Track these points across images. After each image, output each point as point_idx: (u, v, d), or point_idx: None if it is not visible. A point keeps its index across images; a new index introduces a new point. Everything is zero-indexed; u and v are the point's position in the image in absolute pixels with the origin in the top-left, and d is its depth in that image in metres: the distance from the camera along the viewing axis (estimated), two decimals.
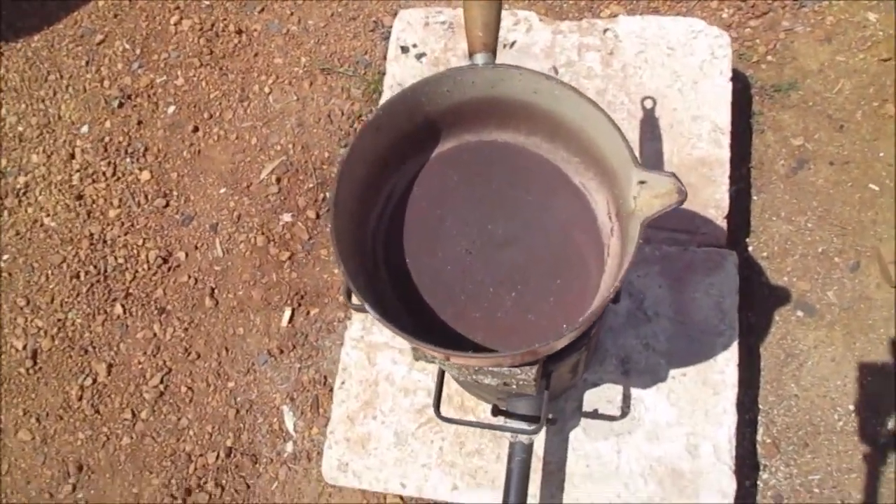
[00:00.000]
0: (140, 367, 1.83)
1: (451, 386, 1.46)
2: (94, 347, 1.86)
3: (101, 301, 1.89)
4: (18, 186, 2.01)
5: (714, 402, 1.40)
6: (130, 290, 1.89)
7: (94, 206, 1.98)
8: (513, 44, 1.70)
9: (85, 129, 2.05)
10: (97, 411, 1.81)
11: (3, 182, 2.02)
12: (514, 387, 0.97)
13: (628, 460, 1.39)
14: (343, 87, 1.99)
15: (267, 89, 2.02)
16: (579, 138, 0.97)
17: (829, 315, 1.65)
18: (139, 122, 2.04)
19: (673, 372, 1.43)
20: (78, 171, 2.01)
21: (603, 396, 1.44)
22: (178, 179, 1.97)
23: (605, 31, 1.68)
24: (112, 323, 1.87)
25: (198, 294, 1.87)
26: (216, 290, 1.87)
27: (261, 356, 1.80)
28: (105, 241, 1.94)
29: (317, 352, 1.78)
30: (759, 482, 1.57)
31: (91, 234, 1.94)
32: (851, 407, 1.58)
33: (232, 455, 1.73)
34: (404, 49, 1.75)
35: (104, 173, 2.00)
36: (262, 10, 2.11)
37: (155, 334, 1.85)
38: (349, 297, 0.97)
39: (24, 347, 1.87)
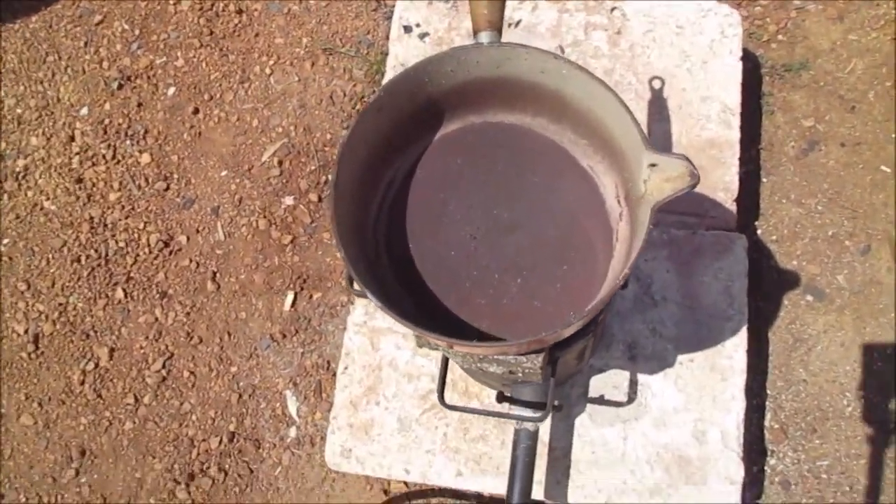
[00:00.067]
0: (142, 351, 1.81)
1: (454, 371, 1.44)
2: (95, 332, 1.84)
3: (102, 285, 1.87)
4: (18, 169, 1.99)
5: (722, 388, 1.38)
6: (132, 274, 1.87)
7: (95, 189, 1.95)
8: (518, 23, 1.66)
9: (84, 111, 2.03)
10: (99, 396, 1.80)
11: (3, 165, 2.00)
12: (520, 375, 0.95)
13: (635, 447, 1.37)
14: (345, 68, 1.96)
15: (268, 70, 1.99)
16: (588, 120, 0.94)
17: (838, 299, 1.62)
18: (139, 104, 2.01)
19: (680, 357, 1.41)
20: (77, 153, 1.99)
21: (609, 382, 1.42)
22: (179, 162, 1.95)
23: (613, 9, 1.64)
24: (113, 307, 1.85)
25: (199, 278, 1.85)
26: (218, 274, 1.85)
27: (263, 341, 1.78)
28: (106, 225, 1.92)
29: (319, 336, 1.77)
30: (766, 468, 1.55)
31: (91, 218, 1.92)
32: (861, 392, 1.56)
33: (235, 440, 1.72)
34: (407, 28, 1.72)
35: (104, 156, 1.97)
36: None
37: (157, 319, 1.84)
38: (351, 283, 0.95)
39: (26, 332, 1.86)
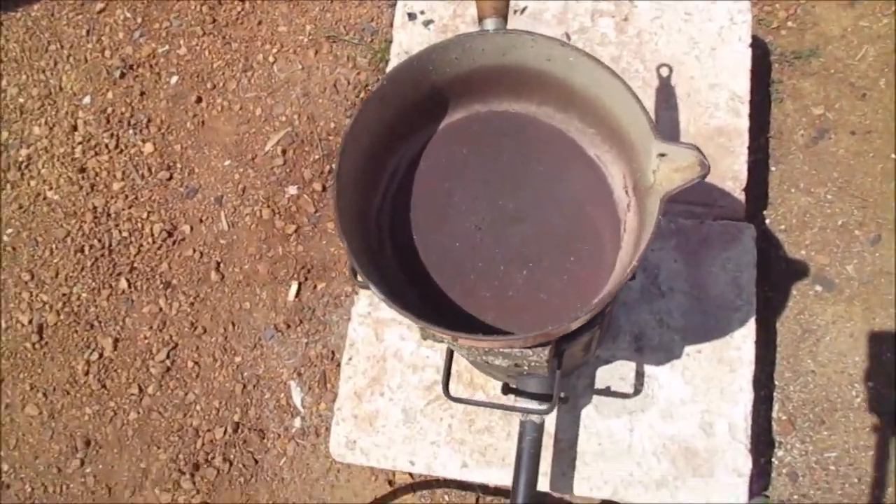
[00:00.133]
0: (146, 341, 1.81)
1: (459, 362, 1.43)
2: (99, 322, 1.84)
3: (105, 275, 1.86)
4: (21, 159, 1.98)
5: (730, 380, 1.36)
6: (135, 265, 1.86)
7: (98, 178, 1.94)
8: (524, 10, 1.64)
9: (87, 100, 2.01)
10: (104, 386, 1.79)
11: (6, 155, 1.99)
12: (526, 368, 0.94)
13: (641, 438, 1.36)
14: (349, 56, 1.94)
15: (271, 58, 1.97)
16: (595, 108, 0.92)
17: (847, 289, 1.60)
18: (142, 93, 1.99)
19: (688, 349, 1.39)
20: (80, 143, 1.98)
21: (616, 373, 1.41)
22: (182, 151, 1.94)
23: None
24: (117, 297, 1.85)
25: (203, 268, 1.84)
26: (222, 264, 1.84)
27: (267, 331, 1.77)
28: (109, 215, 1.91)
29: (324, 326, 1.76)
30: (773, 459, 1.54)
31: (95, 208, 1.91)
32: (870, 383, 1.55)
33: (239, 430, 1.72)
34: (411, 16, 1.70)
35: (107, 145, 1.96)
36: None
37: (161, 309, 1.83)
38: (355, 275, 0.93)
39: (30, 322, 1.86)
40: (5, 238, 1.92)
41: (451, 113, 0.99)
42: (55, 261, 1.89)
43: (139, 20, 2.06)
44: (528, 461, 1.17)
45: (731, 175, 1.48)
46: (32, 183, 1.96)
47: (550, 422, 1.39)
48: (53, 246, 1.90)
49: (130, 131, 1.97)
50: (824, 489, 1.51)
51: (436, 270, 0.93)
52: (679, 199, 1.45)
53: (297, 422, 1.71)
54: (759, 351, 1.40)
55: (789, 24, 1.78)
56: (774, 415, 1.56)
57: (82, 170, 1.95)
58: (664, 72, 1.55)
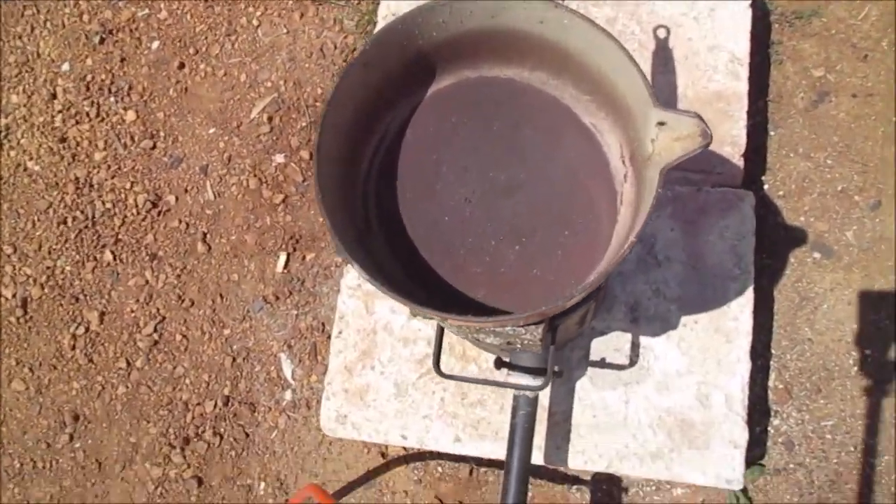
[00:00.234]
0: (133, 315, 1.78)
1: (451, 335, 1.40)
2: (85, 295, 1.80)
3: (89, 248, 1.82)
4: None
5: (727, 351, 1.34)
6: (120, 236, 1.82)
7: (79, 148, 1.89)
8: None
9: (66, 66, 1.95)
10: (91, 360, 1.76)
11: None
12: (519, 346, 0.91)
13: (636, 410, 1.34)
14: (335, 19, 1.87)
15: (255, 22, 1.91)
16: (590, 73, 0.87)
17: (846, 256, 1.57)
18: (122, 59, 1.93)
19: (684, 319, 1.36)
20: (60, 111, 1.92)
21: (611, 345, 1.38)
22: (165, 119, 1.88)
23: None
24: (102, 270, 1.81)
25: (189, 239, 1.80)
26: (208, 235, 1.80)
27: (256, 303, 1.74)
28: (92, 186, 1.86)
29: (314, 298, 1.73)
30: (770, 428, 1.53)
31: (77, 178, 1.86)
32: (867, 351, 1.53)
33: (230, 403, 1.70)
34: None
35: (88, 114, 1.91)
36: None
37: (147, 281, 1.79)
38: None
39: (14, 296, 1.82)
40: None
41: (438, 79, 0.94)
42: (38, 233, 1.85)
43: None
44: (522, 436, 1.15)
45: (730, 140, 1.44)
46: (12, 153, 1.91)
47: (544, 395, 1.37)
48: (35, 218, 1.86)
49: (111, 99, 1.91)
50: (820, 458, 1.50)
51: (424, 246, 0.89)
52: (676, 166, 1.41)
53: (288, 394, 1.68)
54: (756, 320, 1.38)
55: None
56: (771, 384, 1.54)
57: (63, 139, 1.90)
58: (661, 33, 1.50)
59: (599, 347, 1.38)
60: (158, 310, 1.77)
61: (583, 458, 1.34)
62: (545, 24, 0.86)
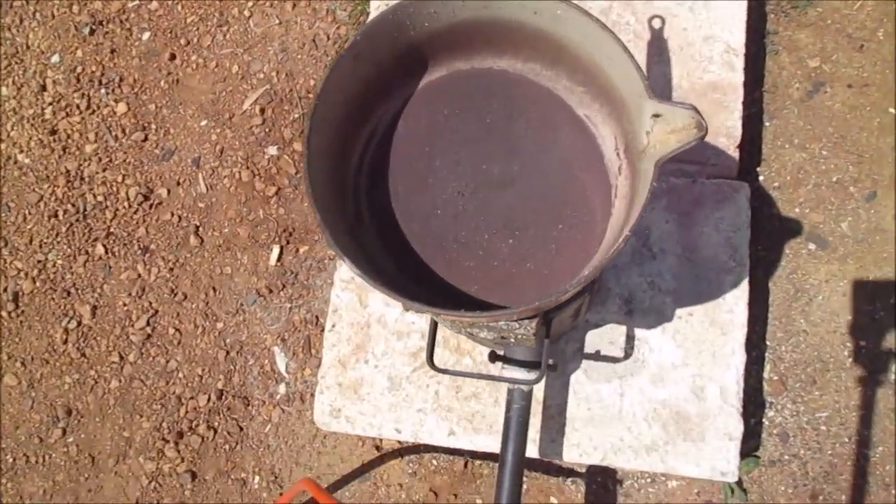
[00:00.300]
0: (125, 308, 1.76)
1: (445, 329, 1.39)
2: (76, 289, 1.79)
3: (81, 241, 1.81)
4: None
5: (722, 343, 1.34)
6: (111, 230, 1.81)
7: (70, 141, 1.87)
8: None
9: (55, 58, 1.93)
10: (83, 355, 1.75)
11: None
12: (513, 340, 0.90)
13: (631, 403, 1.33)
14: (328, 9, 1.86)
15: (247, 12, 1.89)
16: (584, 65, 0.86)
17: (841, 248, 1.57)
18: (112, 51, 1.91)
19: (679, 311, 1.36)
20: (50, 103, 1.90)
21: (605, 337, 1.37)
22: (157, 111, 1.86)
23: None
24: (94, 264, 1.80)
25: (182, 232, 1.79)
26: (201, 228, 1.78)
27: (249, 296, 1.73)
28: (83, 178, 1.84)
29: (307, 291, 1.72)
30: (764, 420, 1.53)
31: (68, 171, 1.85)
32: (862, 342, 1.52)
33: (223, 397, 1.69)
34: None
35: (78, 106, 1.89)
36: None
37: (139, 275, 1.78)
38: None
39: (5, 290, 1.80)
40: None
41: (430, 71, 0.93)
42: (29, 227, 1.83)
43: None
44: (517, 430, 1.15)
45: (725, 132, 1.43)
46: (2, 146, 1.89)
47: (539, 388, 1.36)
48: (26, 211, 1.84)
49: (102, 91, 1.89)
50: (815, 449, 1.50)
51: (416, 240, 0.88)
52: (671, 158, 1.41)
53: (282, 388, 1.67)
54: (751, 312, 1.37)
55: None
56: (766, 375, 1.54)
57: (53, 132, 1.88)
58: (656, 24, 1.49)
59: (594, 340, 1.38)
60: (151, 303, 1.76)
61: (578, 451, 1.34)
62: (539, 14, 0.85)
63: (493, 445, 1.35)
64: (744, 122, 1.47)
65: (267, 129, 1.81)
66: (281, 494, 1.61)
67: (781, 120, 1.64)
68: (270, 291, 1.72)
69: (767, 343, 1.55)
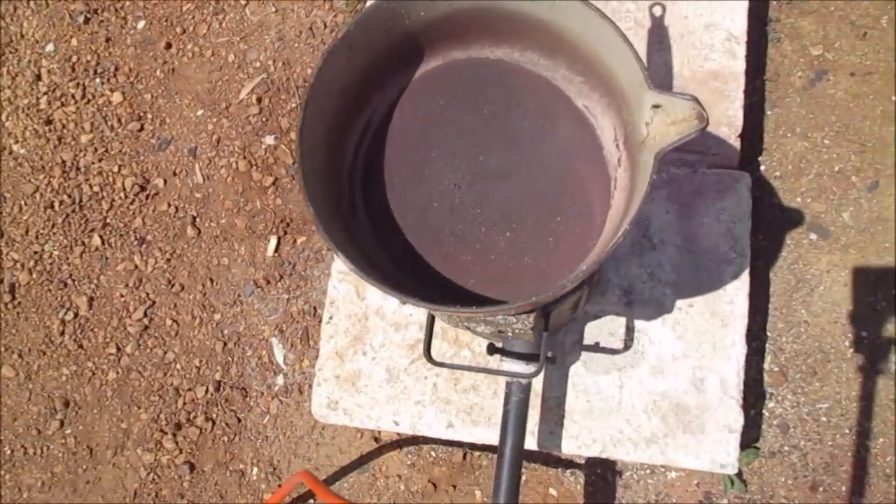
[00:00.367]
0: (122, 300, 1.75)
1: (443, 321, 1.38)
2: (73, 280, 1.78)
3: (77, 232, 1.79)
4: None
5: (722, 335, 1.32)
6: (108, 220, 1.79)
7: (65, 131, 1.86)
8: None
9: (50, 47, 1.91)
10: (80, 346, 1.74)
11: None
12: (510, 334, 0.89)
13: (631, 395, 1.33)
14: None
15: (243, 0, 1.87)
16: (583, 54, 0.85)
17: (843, 238, 1.56)
18: (107, 39, 1.89)
19: (679, 303, 1.35)
20: (45, 93, 1.88)
21: (605, 329, 1.36)
22: (152, 101, 1.85)
23: None
24: (90, 255, 1.78)
25: (179, 223, 1.78)
26: (198, 219, 1.77)
27: (247, 287, 1.72)
28: (78, 169, 1.83)
29: (305, 282, 1.70)
30: (764, 411, 1.52)
31: (63, 162, 1.83)
32: (864, 333, 1.51)
33: (221, 389, 1.68)
34: None
35: (73, 95, 1.87)
36: None
37: (136, 266, 1.77)
38: None
39: (2, 282, 1.79)
40: None
41: (426, 61, 0.91)
42: (24, 218, 1.82)
43: None
44: (515, 422, 1.14)
45: (726, 121, 1.42)
46: None
47: (538, 380, 1.35)
48: (22, 202, 1.83)
49: (97, 80, 1.87)
50: (815, 440, 1.49)
51: (412, 233, 0.87)
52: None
53: (280, 379, 1.67)
54: (751, 303, 1.36)
55: None
56: (766, 366, 1.53)
57: (49, 122, 1.86)
58: (657, 11, 1.47)
59: (593, 331, 1.36)
60: (148, 294, 1.75)
61: (576, 443, 1.33)
62: (536, 2, 0.83)
63: (492, 438, 1.34)
64: (745, 111, 1.45)
65: (264, 119, 1.79)
66: (279, 486, 1.61)
67: (783, 109, 1.62)
68: (268, 282, 1.71)
69: (768, 334, 1.54)
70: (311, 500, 1.61)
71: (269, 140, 1.78)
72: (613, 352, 1.35)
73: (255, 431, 1.65)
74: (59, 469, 1.69)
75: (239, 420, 1.66)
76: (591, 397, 1.34)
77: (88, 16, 1.90)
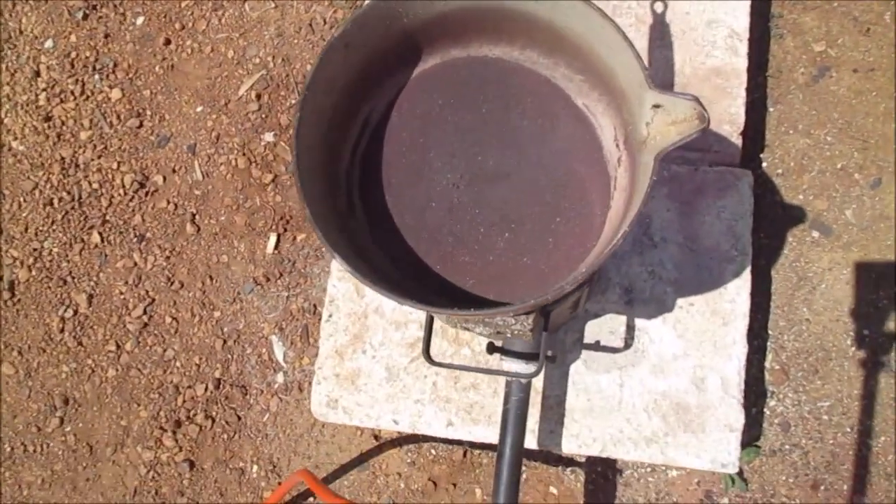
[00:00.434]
0: (122, 297, 1.75)
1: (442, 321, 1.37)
2: (72, 278, 1.77)
3: (77, 229, 1.79)
4: None
5: (723, 333, 1.32)
6: (107, 217, 1.79)
7: (64, 127, 1.85)
8: None
9: (49, 43, 1.90)
10: (80, 343, 1.74)
11: None
12: (509, 335, 0.88)
13: (631, 394, 1.32)
14: None
15: None
16: (583, 53, 0.84)
17: (845, 235, 1.55)
18: (106, 35, 1.88)
19: (680, 301, 1.34)
20: (44, 90, 1.88)
21: (605, 327, 1.36)
22: (152, 97, 1.84)
23: None
24: (90, 252, 1.78)
25: (178, 220, 1.77)
26: (197, 216, 1.76)
27: (247, 284, 1.71)
28: (78, 166, 1.82)
29: (305, 279, 1.70)
30: (766, 409, 1.51)
31: (62, 158, 1.83)
32: (865, 331, 1.51)
33: (221, 386, 1.68)
34: None
35: (72, 92, 1.86)
36: None
37: (135, 263, 1.76)
38: None
39: (1, 278, 1.79)
40: None
41: (425, 59, 0.90)
42: (24, 215, 1.81)
43: None
44: (515, 422, 1.13)
45: (728, 119, 1.41)
46: None
47: (538, 378, 1.35)
48: (21, 199, 1.82)
49: (96, 76, 1.87)
50: (816, 439, 1.49)
51: (410, 234, 0.86)
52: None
53: (280, 377, 1.66)
54: (753, 301, 1.35)
55: None
56: (767, 365, 1.53)
57: (48, 118, 1.86)
58: (658, 7, 1.46)
59: (594, 330, 1.36)
60: (147, 292, 1.75)
61: (577, 442, 1.32)
62: (537, 1, 0.82)
63: (492, 436, 1.34)
64: (747, 108, 1.44)
65: (263, 116, 1.78)
66: (279, 484, 1.61)
67: (786, 105, 1.61)
68: (268, 280, 1.71)
69: (769, 332, 1.53)
70: (311, 499, 1.61)
71: (269, 137, 1.77)
72: (614, 350, 1.34)
73: (254, 429, 1.65)
74: (59, 466, 1.69)
75: (239, 418, 1.66)
76: (591, 396, 1.33)
77: (87, 12, 1.89)
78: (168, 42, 1.85)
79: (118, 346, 1.73)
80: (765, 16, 1.64)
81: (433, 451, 1.57)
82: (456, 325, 0.90)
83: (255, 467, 1.63)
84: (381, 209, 0.87)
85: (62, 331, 1.75)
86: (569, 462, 1.53)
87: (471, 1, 0.85)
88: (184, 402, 1.68)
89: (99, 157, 1.82)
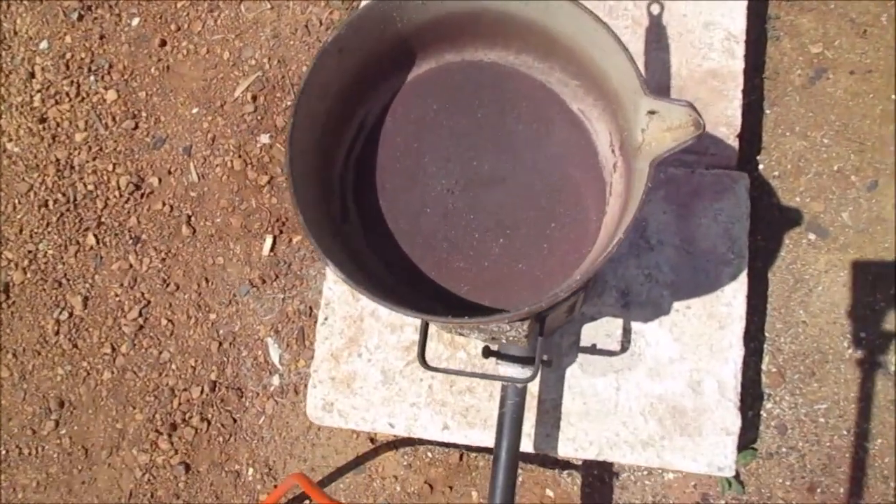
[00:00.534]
0: (117, 299, 1.74)
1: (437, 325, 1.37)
2: (68, 280, 1.77)
3: (72, 231, 1.78)
4: None
5: (720, 337, 1.31)
6: (103, 219, 1.78)
7: (59, 129, 1.84)
8: None
9: (44, 44, 1.89)
10: (75, 346, 1.74)
11: None
12: (504, 341, 0.88)
13: (628, 398, 1.32)
14: None
15: None
16: (578, 58, 0.83)
17: (842, 237, 1.55)
18: (101, 37, 1.88)
19: (676, 304, 1.34)
20: (39, 91, 1.87)
21: (602, 330, 1.35)
22: (147, 99, 1.83)
23: None
24: (85, 254, 1.77)
25: (174, 222, 1.76)
26: (193, 218, 1.76)
27: (242, 287, 1.71)
28: (73, 167, 1.82)
29: (301, 281, 1.69)
30: (762, 412, 1.51)
31: (57, 160, 1.82)
32: (862, 333, 1.50)
33: (217, 389, 1.67)
34: None
35: (67, 93, 1.86)
36: None
37: (131, 265, 1.76)
38: None
39: None
40: None
41: (419, 64, 0.90)
42: (19, 217, 1.81)
43: None
44: (510, 425, 1.13)
45: (725, 121, 1.41)
46: None
47: (534, 382, 1.34)
48: (16, 201, 1.82)
49: (91, 78, 1.86)
50: (813, 441, 1.49)
51: (405, 239, 0.86)
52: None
53: (276, 380, 1.66)
54: (749, 303, 1.35)
55: None
56: (764, 367, 1.52)
57: (42, 120, 1.85)
58: (655, 9, 1.45)
59: (590, 333, 1.36)
60: (143, 294, 1.74)
61: (573, 445, 1.32)
62: (530, 5, 0.82)
63: (488, 440, 1.34)
64: (744, 110, 1.44)
65: (259, 117, 1.78)
66: (275, 487, 1.60)
67: (782, 107, 1.61)
68: (263, 282, 1.70)
69: (766, 334, 1.53)
70: (307, 502, 1.60)
71: (265, 138, 1.77)
72: (610, 354, 1.34)
73: (250, 432, 1.65)
74: (55, 469, 1.69)
75: (234, 420, 1.66)
76: (587, 399, 1.33)
77: (82, 13, 1.89)
78: (164, 43, 1.85)
79: (114, 349, 1.72)
80: (761, 18, 1.64)
81: (429, 454, 1.57)
82: (451, 329, 0.90)
83: (251, 470, 1.63)
84: (376, 214, 0.87)
85: (57, 333, 1.74)
86: (565, 465, 1.52)
87: (465, 1, 0.84)
88: (179, 404, 1.68)
89: (94, 158, 1.81)
